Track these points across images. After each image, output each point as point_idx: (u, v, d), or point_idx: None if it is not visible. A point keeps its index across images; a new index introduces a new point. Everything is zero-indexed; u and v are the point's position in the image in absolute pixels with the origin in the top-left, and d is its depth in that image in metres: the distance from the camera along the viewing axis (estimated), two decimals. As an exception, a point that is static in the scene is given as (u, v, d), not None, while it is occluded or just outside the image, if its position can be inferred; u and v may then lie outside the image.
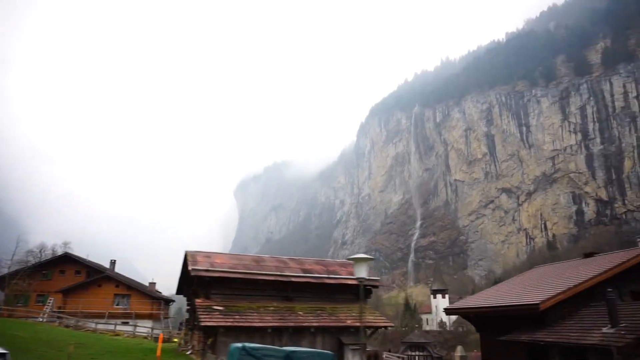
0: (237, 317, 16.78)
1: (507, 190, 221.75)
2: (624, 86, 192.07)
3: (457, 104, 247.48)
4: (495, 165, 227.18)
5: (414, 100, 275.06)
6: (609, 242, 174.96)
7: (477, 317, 21.41)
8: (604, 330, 14.27)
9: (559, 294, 17.15)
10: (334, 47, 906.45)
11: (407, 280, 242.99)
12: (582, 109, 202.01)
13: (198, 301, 19.04)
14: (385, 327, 16.49)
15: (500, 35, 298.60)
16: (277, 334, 16.38)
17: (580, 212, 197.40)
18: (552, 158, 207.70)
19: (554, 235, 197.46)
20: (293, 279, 17.63)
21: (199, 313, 17.48)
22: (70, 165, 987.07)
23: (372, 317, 16.17)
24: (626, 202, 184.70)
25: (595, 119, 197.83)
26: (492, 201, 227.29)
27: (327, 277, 17.90)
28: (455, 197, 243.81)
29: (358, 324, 16.16)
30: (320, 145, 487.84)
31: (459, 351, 30.92)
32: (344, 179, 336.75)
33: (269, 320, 16.36)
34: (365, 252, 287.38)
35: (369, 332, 16.90)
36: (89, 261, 60.14)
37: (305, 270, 18.58)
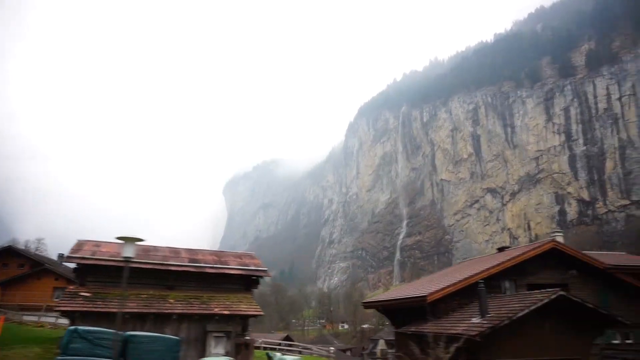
0: (99, 303, 16.77)
1: (492, 190, 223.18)
2: (607, 88, 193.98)
3: (444, 104, 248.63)
4: (481, 166, 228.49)
5: (402, 100, 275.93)
6: (590, 241, 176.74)
7: (386, 310, 21.58)
8: (473, 320, 14.38)
9: (446, 287, 17.36)
10: (325, 46, 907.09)
11: (392, 279, 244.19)
12: (566, 110, 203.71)
13: (69, 288, 19.13)
14: (255, 315, 16.47)
15: (488, 36, 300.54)
16: (140, 320, 16.39)
17: (562, 212, 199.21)
18: (536, 158, 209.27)
19: (536, 235, 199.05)
20: (172, 268, 17.60)
21: (62, 299, 17.50)
22: (59, 162, 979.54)
23: (245, 306, 16.15)
24: (607, 202, 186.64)
25: (579, 120, 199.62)
26: (477, 201, 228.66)
27: (209, 266, 17.84)
28: (441, 197, 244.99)
29: (226, 312, 16.16)
30: (309, 144, 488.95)
31: (380, 344, 30.92)
32: (332, 177, 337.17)
33: (132, 307, 16.34)
34: (352, 251, 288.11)
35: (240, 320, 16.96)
36: (34, 254, 59.57)
37: (193, 260, 18.52)
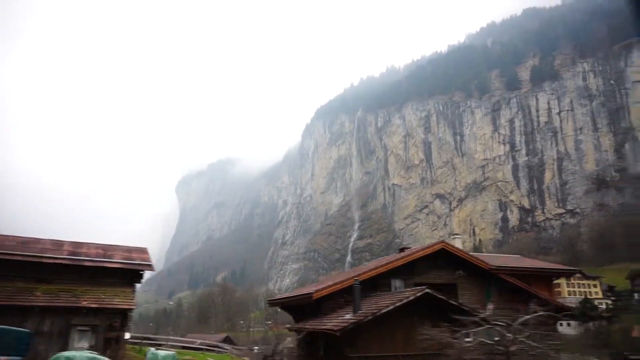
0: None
1: (440, 196, 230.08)
2: (549, 103, 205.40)
3: (398, 111, 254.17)
4: (431, 172, 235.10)
5: (358, 105, 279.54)
6: (529, 247, 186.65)
7: (285, 308, 21.68)
8: (346, 316, 14.63)
9: (332, 285, 17.68)
10: (284, 47, 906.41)
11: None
12: (511, 121, 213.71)
13: None
14: (127, 310, 16.04)
15: (443, 47, 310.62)
16: (-1, 314, 15.60)
17: (505, 219, 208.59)
18: (483, 167, 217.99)
19: (480, 241, 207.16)
20: (46, 261, 16.79)
21: None
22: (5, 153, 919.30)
23: (118, 300, 15.70)
24: (545, 210, 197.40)
25: (522, 132, 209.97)
26: (426, 206, 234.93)
27: (87, 259, 17.16)
28: (392, 201, 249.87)
29: (94, 306, 15.65)
30: (266, 144, 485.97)
31: (287, 342, 31.14)
32: (288, 179, 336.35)
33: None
34: (304, 253, 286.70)
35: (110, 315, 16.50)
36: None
37: (73, 253, 17.76)
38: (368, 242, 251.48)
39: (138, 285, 17.63)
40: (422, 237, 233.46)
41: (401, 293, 15.51)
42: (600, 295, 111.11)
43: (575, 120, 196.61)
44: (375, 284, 18.51)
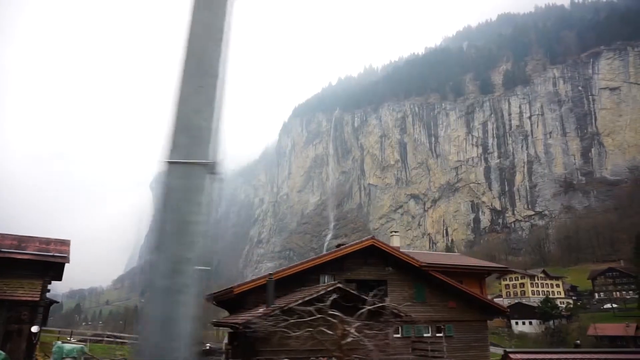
0: None
1: (415, 197, 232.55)
2: (520, 107, 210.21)
3: (375, 111, 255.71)
4: (406, 172, 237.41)
5: (335, 104, 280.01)
6: (499, 248, 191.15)
7: (219, 304, 21.64)
8: (259, 310, 14.69)
9: (254, 280, 17.76)
10: (262, 43, 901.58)
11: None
12: (484, 124, 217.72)
13: None
14: (27, 302, 15.67)
15: (420, 49, 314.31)
16: None
17: (477, 220, 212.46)
18: (456, 168, 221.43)
19: (452, 241, 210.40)
20: None
21: None
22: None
23: (21, 292, 15.35)
24: (515, 212, 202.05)
25: (495, 135, 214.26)
26: (401, 206, 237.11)
27: None
28: (368, 201, 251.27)
29: None
30: (243, 142, 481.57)
31: (227, 338, 31.26)
32: (264, 177, 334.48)
33: None
34: (280, 251, 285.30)
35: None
36: None
37: None
38: (343, 241, 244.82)
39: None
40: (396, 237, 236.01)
41: (314, 288, 15.63)
42: (562, 295, 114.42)
43: (545, 124, 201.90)
44: (304, 280, 18.60)
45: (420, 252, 31.87)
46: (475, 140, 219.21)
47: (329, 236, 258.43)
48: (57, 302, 31.44)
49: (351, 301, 13.71)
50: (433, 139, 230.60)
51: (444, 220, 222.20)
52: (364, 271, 20.75)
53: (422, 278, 21.53)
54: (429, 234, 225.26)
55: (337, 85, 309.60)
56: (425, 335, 20.53)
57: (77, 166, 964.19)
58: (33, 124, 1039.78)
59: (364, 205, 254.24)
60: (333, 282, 15.19)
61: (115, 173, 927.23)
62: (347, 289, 15.12)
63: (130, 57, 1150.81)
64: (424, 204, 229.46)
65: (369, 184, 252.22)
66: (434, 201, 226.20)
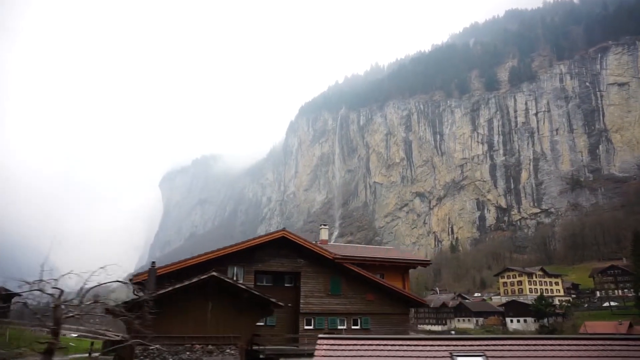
0: None
1: (420, 195, 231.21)
2: (526, 103, 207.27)
3: (380, 109, 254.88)
4: (411, 170, 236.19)
5: (341, 102, 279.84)
6: (504, 246, 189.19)
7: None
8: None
9: (144, 272, 18.22)
10: (270, 44, 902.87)
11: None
12: (490, 121, 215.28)
13: None
14: None
15: (427, 46, 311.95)
16: None
17: (482, 218, 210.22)
18: (461, 166, 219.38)
19: (457, 239, 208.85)
20: None
21: None
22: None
23: None
24: (521, 210, 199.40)
25: (500, 132, 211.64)
26: (406, 204, 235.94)
27: None
28: (373, 199, 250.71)
29: None
30: (250, 141, 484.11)
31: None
32: (272, 176, 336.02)
33: None
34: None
35: None
36: None
37: None
38: (349, 239, 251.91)
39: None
40: (402, 235, 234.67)
41: (195, 277, 16.00)
42: (561, 293, 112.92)
43: (552, 121, 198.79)
44: (212, 271, 18.95)
45: (358, 246, 32.01)
46: (480, 137, 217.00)
47: (335, 235, 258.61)
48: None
49: (228, 289, 14.11)
50: (438, 136, 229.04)
51: (449, 219, 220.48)
52: (276, 263, 21.10)
53: (340, 271, 21.79)
54: (434, 232, 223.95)
55: (344, 84, 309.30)
56: (339, 327, 20.80)
57: (88, 166, 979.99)
58: (44, 125, 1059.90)
59: (369, 203, 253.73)
60: (209, 272, 15.53)
61: (125, 173, 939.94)
62: (223, 277, 15.55)
63: (141, 58, 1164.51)
64: (429, 202, 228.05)
65: (375, 182, 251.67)
66: (439, 199, 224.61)
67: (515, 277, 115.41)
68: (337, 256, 21.46)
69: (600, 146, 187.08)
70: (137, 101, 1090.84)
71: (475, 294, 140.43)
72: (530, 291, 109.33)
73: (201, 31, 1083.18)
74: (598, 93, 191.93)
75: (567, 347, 9.42)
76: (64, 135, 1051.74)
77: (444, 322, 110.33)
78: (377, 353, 9.31)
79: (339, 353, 9.25)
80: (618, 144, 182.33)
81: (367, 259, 23.22)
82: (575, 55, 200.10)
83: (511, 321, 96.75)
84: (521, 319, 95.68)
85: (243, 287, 14.73)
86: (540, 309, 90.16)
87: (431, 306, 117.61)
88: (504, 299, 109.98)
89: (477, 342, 8.96)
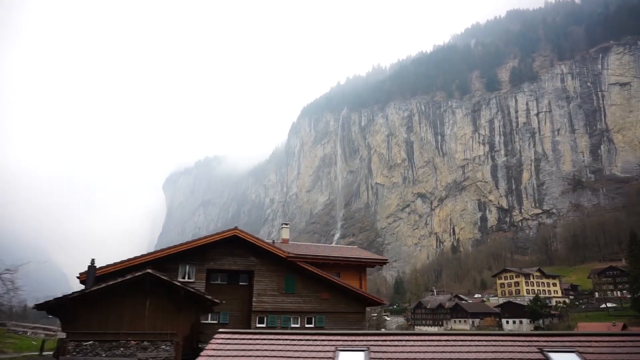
0: None
1: (422, 195, 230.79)
2: (527, 104, 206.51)
3: (382, 110, 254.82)
4: (413, 171, 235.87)
5: (343, 103, 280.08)
6: (505, 247, 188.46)
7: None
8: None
9: (114, 264, 18.58)
10: (273, 45, 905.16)
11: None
12: (491, 122, 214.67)
13: None
14: None
15: (428, 47, 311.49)
16: None
17: (484, 219, 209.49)
18: (463, 167, 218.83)
19: (458, 240, 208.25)
20: None
21: None
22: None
23: None
24: (522, 211, 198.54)
25: (501, 132, 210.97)
26: (408, 205, 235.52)
27: None
28: (375, 200, 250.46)
29: None
30: (253, 142, 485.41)
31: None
32: (274, 177, 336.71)
33: None
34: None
35: None
36: None
37: None
38: (351, 240, 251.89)
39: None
40: (403, 236, 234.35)
41: (130, 275, 16.28)
42: (559, 294, 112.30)
43: (553, 121, 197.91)
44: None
45: (314, 244, 32.22)
46: (481, 138, 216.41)
47: (337, 236, 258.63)
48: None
49: (166, 287, 14.44)
50: (439, 137, 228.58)
51: (450, 219, 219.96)
52: (229, 261, 21.40)
53: (295, 270, 22.04)
54: (435, 233, 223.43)
55: (346, 85, 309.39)
56: (293, 325, 21.03)
57: (92, 167, 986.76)
58: (47, 127, 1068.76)
59: (371, 204, 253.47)
60: (145, 270, 15.85)
61: (128, 175, 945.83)
62: (158, 275, 15.89)
63: (144, 60, 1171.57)
64: (431, 202, 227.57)
65: (376, 183, 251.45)
66: (441, 200, 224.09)
67: (513, 278, 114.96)
68: (291, 255, 21.74)
69: (602, 146, 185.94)
70: (140, 103, 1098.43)
71: (476, 295, 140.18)
72: (528, 292, 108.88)
73: (204, 33, 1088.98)
74: (599, 93, 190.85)
75: (461, 343, 9.66)
76: (68, 137, 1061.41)
77: (440, 323, 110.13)
78: (273, 347, 9.57)
79: (230, 347, 9.51)
80: (620, 144, 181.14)
81: (321, 257, 23.44)
82: (577, 55, 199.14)
83: (507, 322, 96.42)
84: (517, 320, 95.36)
85: (178, 284, 15.06)
86: (535, 310, 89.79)
87: (428, 307, 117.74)
88: (502, 300, 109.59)
89: (360, 338, 9.22)
